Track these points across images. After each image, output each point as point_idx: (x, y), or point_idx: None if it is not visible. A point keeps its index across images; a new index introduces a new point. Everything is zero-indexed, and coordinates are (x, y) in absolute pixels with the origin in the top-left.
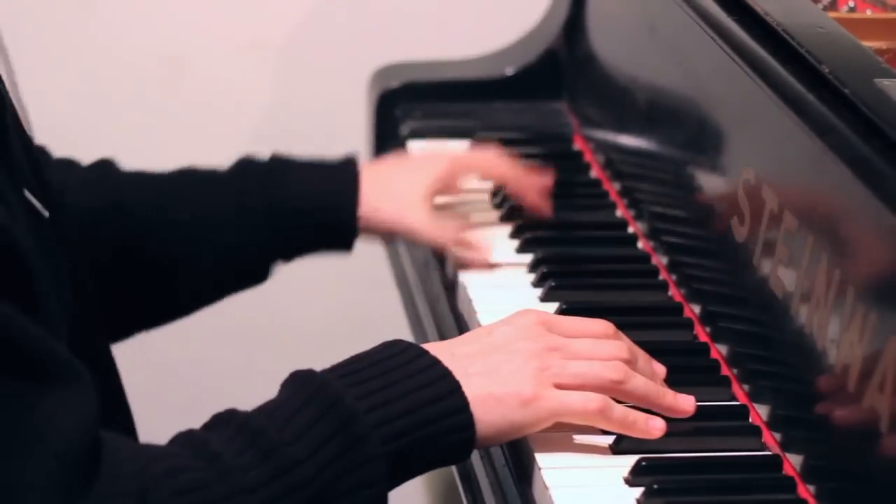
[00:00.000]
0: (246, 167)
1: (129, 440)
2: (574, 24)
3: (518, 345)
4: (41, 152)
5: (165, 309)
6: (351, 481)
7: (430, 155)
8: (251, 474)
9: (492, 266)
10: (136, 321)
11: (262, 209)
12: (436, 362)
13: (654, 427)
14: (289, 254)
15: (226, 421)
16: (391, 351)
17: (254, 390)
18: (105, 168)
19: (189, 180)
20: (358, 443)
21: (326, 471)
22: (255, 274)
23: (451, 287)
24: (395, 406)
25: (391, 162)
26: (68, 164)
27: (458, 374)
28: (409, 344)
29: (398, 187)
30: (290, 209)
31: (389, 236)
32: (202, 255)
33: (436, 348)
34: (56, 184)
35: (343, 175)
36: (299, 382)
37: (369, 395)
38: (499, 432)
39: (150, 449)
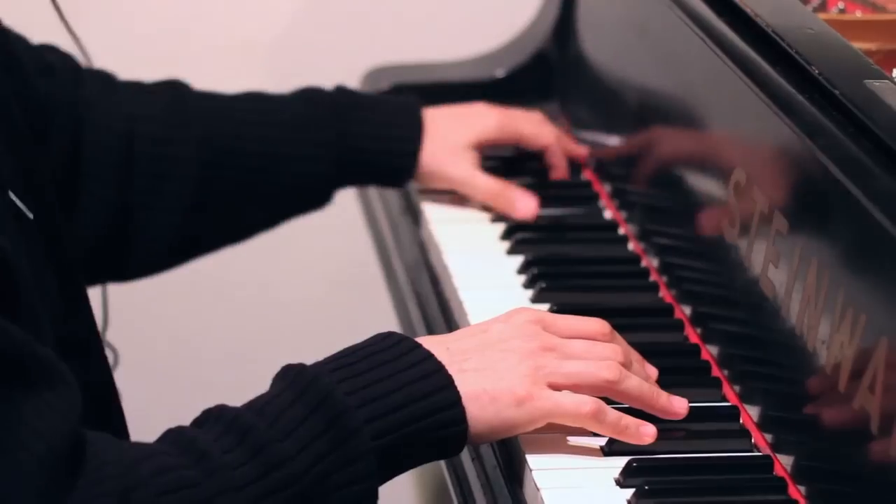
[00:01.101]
0: (314, 98)
1: (117, 440)
2: (564, 25)
3: (513, 343)
4: (106, 79)
5: (229, 233)
6: (342, 476)
7: (482, 110)
8: (240, 471)
9: (536, 219)
10: (198, 246)
11: (331, 143)
12: (429, 356)
13: (646, 433)
14: (347, 184)
15: (215, 417)
16: (385, 344)
17: (245, 389)
18: (178, 93)
19: (261, 108)
20: (349, 438)
21: (316, 466)
22: (317, 201)
23: (441, 288)
24: (386, 400)
25: (447, 112)
26: (138, 90)
27: (453, 370)
28: (403, 337)
29: (452, 138)
30: (357, 147)
31: (434, 182)
32: (272, 182)
33: (430, 342)
34: (125, 116)
35: (409, 119)
36: (291, 376)
37: (361, 390)
38: (491, 430)
39: (138, 448)
